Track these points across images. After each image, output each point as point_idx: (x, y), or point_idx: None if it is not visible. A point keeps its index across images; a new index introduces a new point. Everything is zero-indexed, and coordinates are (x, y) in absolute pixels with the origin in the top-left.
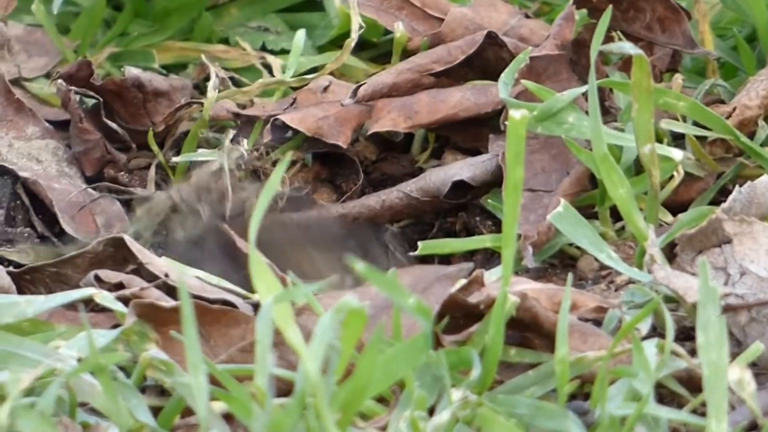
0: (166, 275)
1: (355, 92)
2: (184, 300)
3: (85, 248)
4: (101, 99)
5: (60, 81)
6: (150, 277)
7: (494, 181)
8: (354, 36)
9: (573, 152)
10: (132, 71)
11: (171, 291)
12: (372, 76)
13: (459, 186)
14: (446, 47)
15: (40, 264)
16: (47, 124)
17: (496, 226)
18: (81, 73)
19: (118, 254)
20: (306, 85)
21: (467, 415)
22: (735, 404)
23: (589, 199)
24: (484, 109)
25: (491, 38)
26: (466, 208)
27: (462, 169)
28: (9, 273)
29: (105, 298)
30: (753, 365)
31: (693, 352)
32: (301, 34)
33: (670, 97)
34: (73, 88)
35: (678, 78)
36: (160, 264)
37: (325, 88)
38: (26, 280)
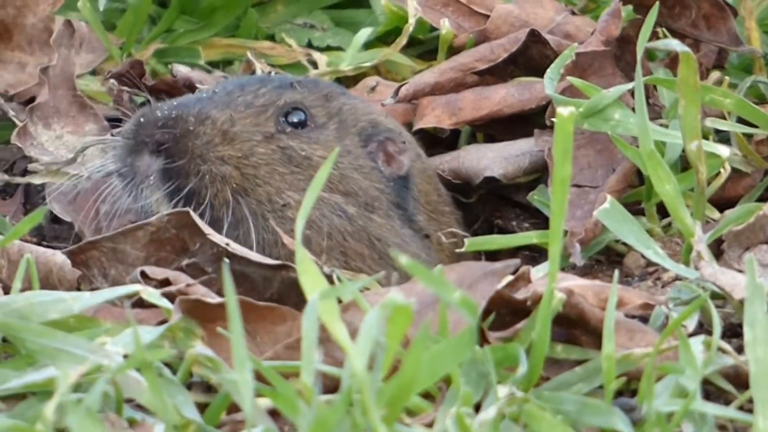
0: (227, 244)
1: (396, 92)
2: (230, 296)
3: (148, 221)
4: (152, 99)
5: (112, 81)
6: (212, 248)
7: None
8: (411, 23)
9: (619, 148)
10: (182, 71)
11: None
12: (414, 76)
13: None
14: (489, 45)
15: (97, 238)
16: (106, 123)
17: (534, 225)
18: (132, 72)
19: (178, 237)
20: (357, 79)
21: (513, 412)
22: None
23: (636, 195)
24: (528, 106)
25: (534, 36)
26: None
27: (494, 162)
28: (64, 252)
29: (151, 294)
30: None
31: (740, 349)
32: (364, 32)
33: (716, 94)
34: (124, 88)
35: (718, 75)
36: (220, 237)
37: (373, 88)
38: (81, 260)
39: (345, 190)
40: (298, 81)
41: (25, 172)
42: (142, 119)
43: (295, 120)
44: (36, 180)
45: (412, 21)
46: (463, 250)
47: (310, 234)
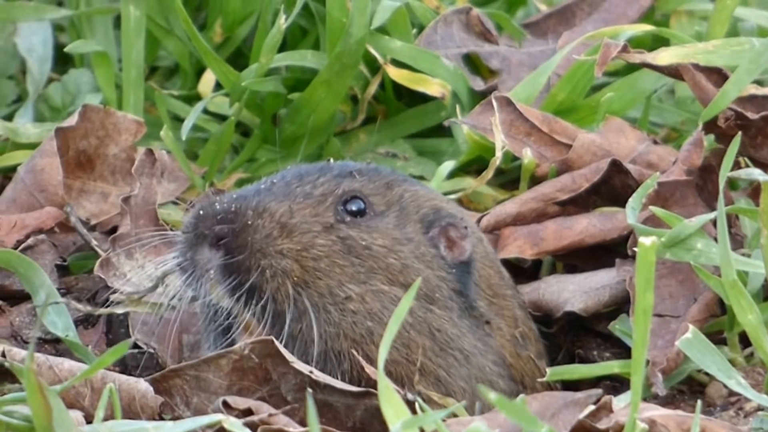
0: (311, 372)
1: (478, 222)
2: (313, 426)
3: (231, 349)
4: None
5: None
6: (296, 377)
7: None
8: (499, 157)
9: (702, 278)
10: None
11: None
12: (496, 206)
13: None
14: (570, 176)
15: (180, 366)
16: None
17: (616, 354)
18: None
19: (261, 366)
20: None
21: None
22: None
23: (718, 325)
24: (610, 236)
25: (616, 166)
26: (584, 329)
27: (575, 296)
28: (147, 379)
29: (233, 424)
30: None
31: None
32: (448, 164)
33: None
34: None
35: None
36: (304, 365)
37: None
38: (164, 388)
39: (405, 281)
40: (358, 169)
41: (107, 302)
42: (201, 212)
43: (354, 209)
44: (118, 310)
45: (499, 154)
46: (545, 379)
47: (372, 326)
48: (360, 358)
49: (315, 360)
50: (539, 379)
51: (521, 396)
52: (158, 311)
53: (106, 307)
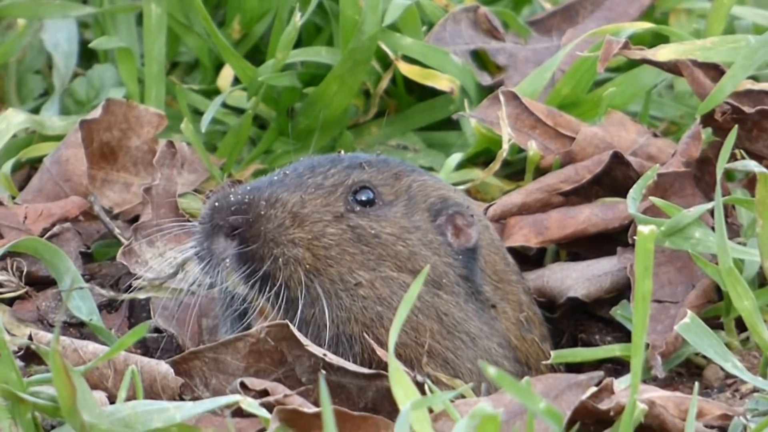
0: (324, 355)
1: (485, 212)
2: (326, 407)
3: (248, 332)
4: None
5: None
6: (310, 359)
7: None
8: (506, 149)
9: (699, 266)
10: None
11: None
12: (503, 196)
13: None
14: (574, 167)
15: (199, 349)
16: None
17: (617, 338)
18: None
19: (277, 349)
20: None
21: None
22: None
23: (715, 310)
24: (611, 225)
25: (618, 158)
26: (586, 314)
27: (577, 282)
28: (168, 361)
29: (250, 404)
30: None
31: None
32: (455, 156)
33: None
34: None
35: None
36: (318, 348)
37: None
38: (184, 369)
39: (413, 268)
40: (368, 160)
41: (129, 287)
42: (216, 204)
43: (364, 198)
44: (140, 295)
45: (506, 147)
46: (549, 362)
47: (381, 310)
48: (371, 341)
49: (327, 344)
50: (543, 362)
51: (526, 378)
52: (178, 297)
53: (129, 292)
